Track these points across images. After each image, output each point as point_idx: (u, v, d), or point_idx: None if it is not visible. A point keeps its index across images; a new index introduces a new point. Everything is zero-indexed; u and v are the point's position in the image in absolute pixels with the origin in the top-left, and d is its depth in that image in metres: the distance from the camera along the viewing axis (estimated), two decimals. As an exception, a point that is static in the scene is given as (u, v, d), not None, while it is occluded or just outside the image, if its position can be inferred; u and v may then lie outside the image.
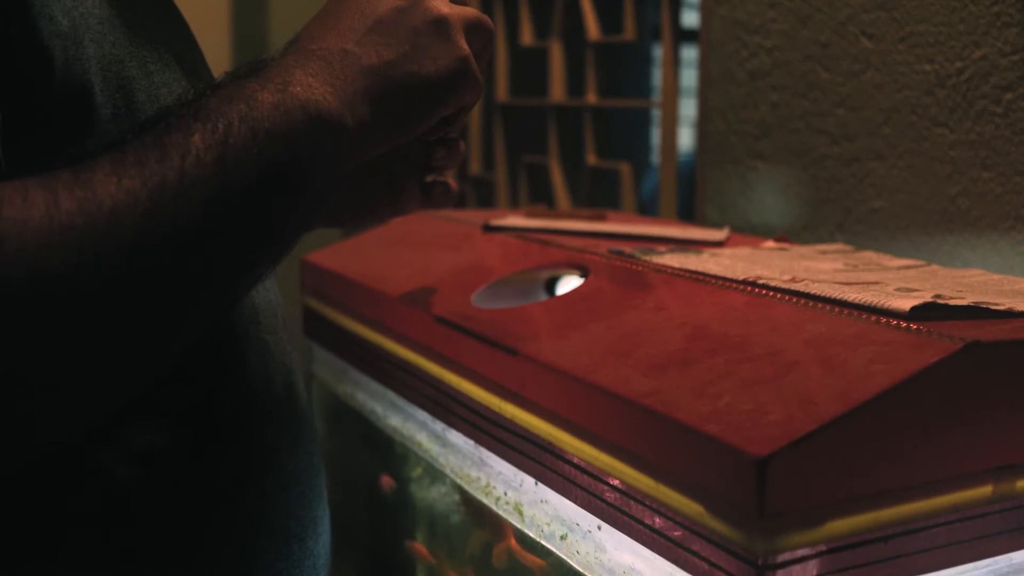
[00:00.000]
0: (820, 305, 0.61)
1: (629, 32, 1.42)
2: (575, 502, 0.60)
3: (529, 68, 1.67)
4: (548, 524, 0.65)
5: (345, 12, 0.57)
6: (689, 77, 1.48)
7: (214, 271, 0.49)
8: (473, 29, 0.60)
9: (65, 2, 0.51)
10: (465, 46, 0.58)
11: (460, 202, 1.72)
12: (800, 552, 0.47)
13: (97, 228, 0.43)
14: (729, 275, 0.69)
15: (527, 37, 1.62)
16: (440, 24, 0.57)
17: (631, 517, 0.54)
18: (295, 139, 0.50)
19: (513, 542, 0.73)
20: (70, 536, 0.53)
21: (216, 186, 0.47)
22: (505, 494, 0.70)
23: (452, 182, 0.76)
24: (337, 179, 0.55)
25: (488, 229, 0.95)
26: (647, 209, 1.66)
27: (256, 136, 0.48)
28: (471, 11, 0.60)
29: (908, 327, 0.55)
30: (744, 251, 0.83)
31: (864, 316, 0.58)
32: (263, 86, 0.50)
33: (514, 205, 1.70)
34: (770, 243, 0.90)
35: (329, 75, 0.53)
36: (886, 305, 0.58)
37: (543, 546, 0.66)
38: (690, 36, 1.50)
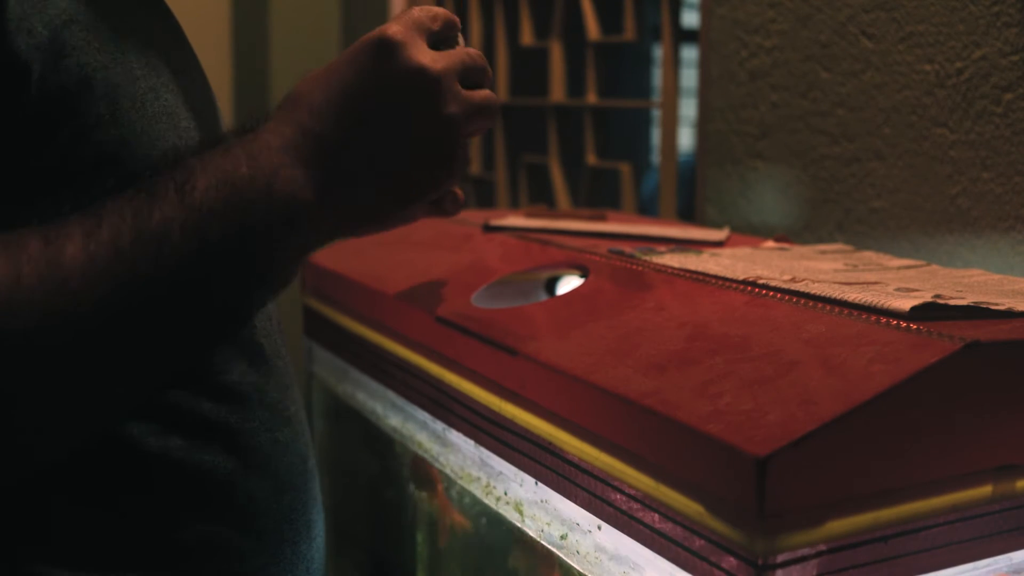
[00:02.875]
0: (820, 305, 0.61)
1: (629, 32, 1.42)
2: (575, 502, 0.60)
3: (529, 68, 1.67)
4: (548, 524, 0.65)
5: (354, 99, 0.56)
6: (689, 77, 1.48)
7: (170, 346, 0.51)
8: (479, 113, 0.60)
9: (47, 13, 0.51)
10: (466, 152, 0.60)
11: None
12: (800, 552, 0.47)
13: (57, 306, 0.45)
14: (729, 275, 0.69)
15: (527, 37, 1.62)
16: (448, 137, 0.58)
17: (631, 517, 0.54)
18: (270, 239, 0.52)
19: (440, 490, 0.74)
20: (55, 539, 0.53)
21: (189, 281, 0.49)
22: (505, 494, 0.70)
23: (459, 191, 0.76)
24: (298, 268, 0.58)
25: (488, 229, 0.95)
26: (647, 209, 1.66)
27: (239, 233, 0.51)
28: (480, 97, 0.60)
29: (908, 327, 0.55)
30: (744, 251, 0.83)
31: (864, 316, 0.58)
32: (252, 178, 0.52)
33: (514, 205, 1.70)
34: (770, 243, 0.90)
35: (320, 175, 0.54)
36: (886, 305, 0.58)
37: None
38: (690, 36, 1.49)
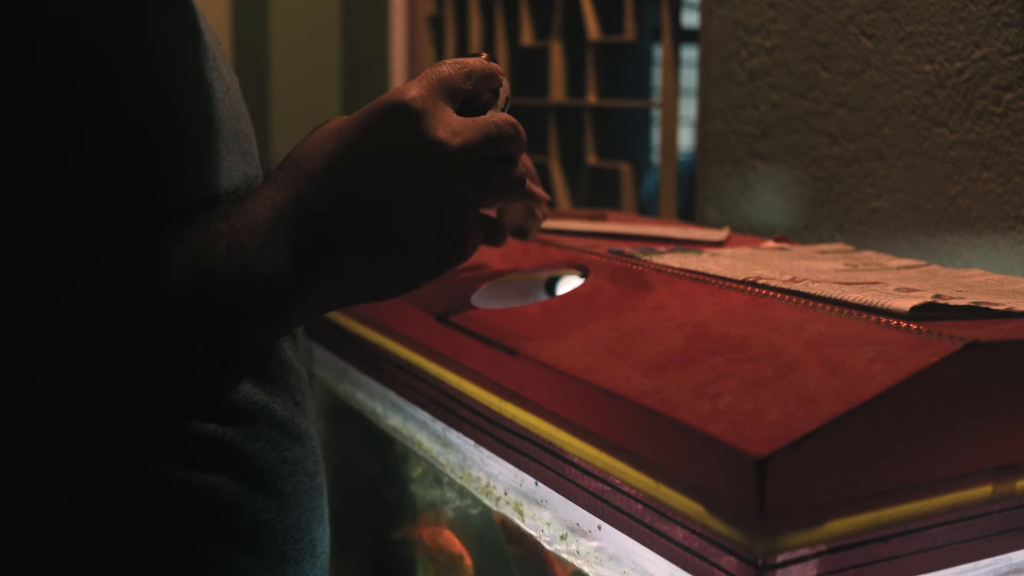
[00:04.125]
0: (820, 305, 0.61)
1: (629, 32, 1.42)
2: (575, 502, 0.60)
3: (529, 68, 1.67)
4: (548, 524, 0.65)
5: (357, 173, 0.52)
6: (689, 77, 1.48)
7: (125, 427, 0.49)
8: (500, 191, 0.56)
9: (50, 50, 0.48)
10: (480, 233, 0.57)
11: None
12: (800, 552, 0.47)
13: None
14: (729, 275, 0.69)
15: (527, 37, 1.62)
16: (458, 219, 0.54)
17: (631, 517, 0.54)
18: (238, 325, 0.50)
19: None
20: (51, 561, 0.51)
21: (145, 365, 0.48)
22: (505, 494, 0.70)
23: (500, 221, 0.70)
24: (274, 343, 0.57)
25: (488, 229, 0.95)
26: (647, 209, 1.66)
27: (206, 318, 0.49)
28: (502, 175, 0.56)
29: (908, 327, 0.55)
30: (744, 251, 0.83)
31: (864, 316, 0.58)
32: (230, 257, 0.49)
33: (514, 205, 1.69)
34: (770, 243, 0.90)
35: (306, 256, 0.51)
36: (886, 305, 0.58)
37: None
38: (690, 36, 1.50)
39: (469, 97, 0.56)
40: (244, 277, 0.49)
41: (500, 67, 0.59)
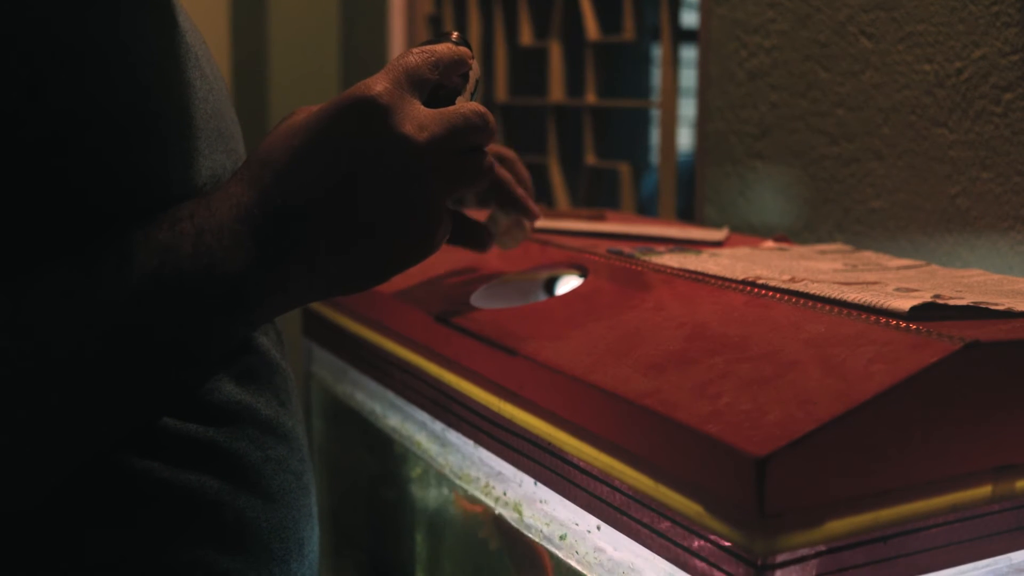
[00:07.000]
0: (820, 305, 0.61)
1: (629, 32, 1.42)
2: (575, 502, 0.60)
3: (529, 68, 1.67)
4: (548, 524, 0.65)
5: (323, 167, 0.52)
6: (689, 77, 1.48)
7: (74, 443, 0.49)
8: (468, 183, 0.56)
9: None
10: (449, 224, 0.56)
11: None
12: (800, 552, 0.47)
13: None
14: (729, 275, 0.69)
15: (527, 37, 1.62)
16: (427, 211, 0.53)
17: (631, 517, 0.54)
18: (207, 324, 0.50)
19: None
20: (30, 562, 0.51)
21: (111, 367, 0.48)
22: (505, 494, 0.70)
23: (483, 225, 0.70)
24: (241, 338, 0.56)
25: (488, 229, 0.95)
26: (647, 209, 1.66)
27: (173, 319, 0.49)
28: (471, 165, 0.55)
29: (908, 327, 0.55)
30: (744, 251, 0.83)
31: (864, 316, 0.58)
32: (195, 257, 0.49)
33: (513, 205, 1.69)
34: (770, 243, 0.90)
35: (274, 252, 0.51)
36: (886, 305, 0.58)
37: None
38: (690, 36, 1.49)
39: (436, 88, 0.56)
40: (211, 277, 0.49)
41: (469, 50, 0.58)
